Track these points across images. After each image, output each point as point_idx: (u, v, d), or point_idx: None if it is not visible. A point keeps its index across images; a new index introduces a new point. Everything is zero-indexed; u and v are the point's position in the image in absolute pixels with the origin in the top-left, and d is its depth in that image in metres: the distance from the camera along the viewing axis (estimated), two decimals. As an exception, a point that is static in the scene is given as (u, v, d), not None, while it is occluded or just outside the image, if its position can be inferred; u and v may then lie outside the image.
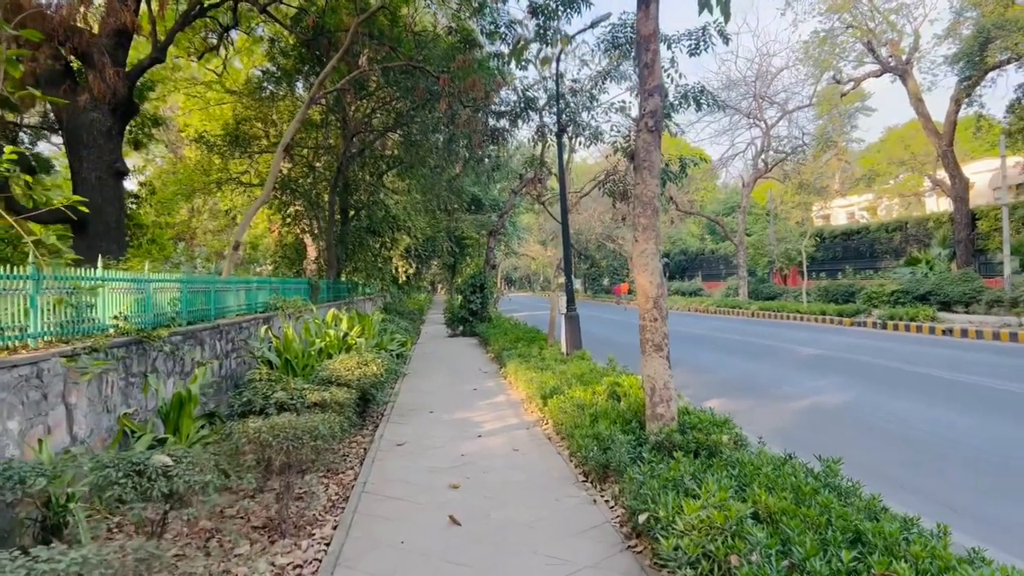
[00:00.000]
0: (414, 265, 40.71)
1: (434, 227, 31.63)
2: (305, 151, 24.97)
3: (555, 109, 16.89)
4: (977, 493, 6.63)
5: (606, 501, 6.26)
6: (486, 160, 22.49)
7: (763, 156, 39.34)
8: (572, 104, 16.86)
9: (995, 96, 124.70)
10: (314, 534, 5.50)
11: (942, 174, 32.58)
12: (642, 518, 4.98)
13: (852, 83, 33.57)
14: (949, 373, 13.43)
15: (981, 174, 42.40)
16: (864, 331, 24.34)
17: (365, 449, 8.34)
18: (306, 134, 24.77)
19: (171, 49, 17.77)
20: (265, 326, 11.26)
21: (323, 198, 24.40)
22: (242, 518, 5.83)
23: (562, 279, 17.30)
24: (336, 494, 6.62)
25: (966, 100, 28.95)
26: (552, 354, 14.03)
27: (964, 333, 20.59)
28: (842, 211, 63.07)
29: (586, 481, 6.73)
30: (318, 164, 25.56)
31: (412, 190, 27.96)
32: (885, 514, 4.63)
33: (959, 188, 30.48)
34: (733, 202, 70.89)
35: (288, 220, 25.33)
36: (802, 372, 14.24)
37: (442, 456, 7.78)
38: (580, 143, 16.64)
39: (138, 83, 15.20)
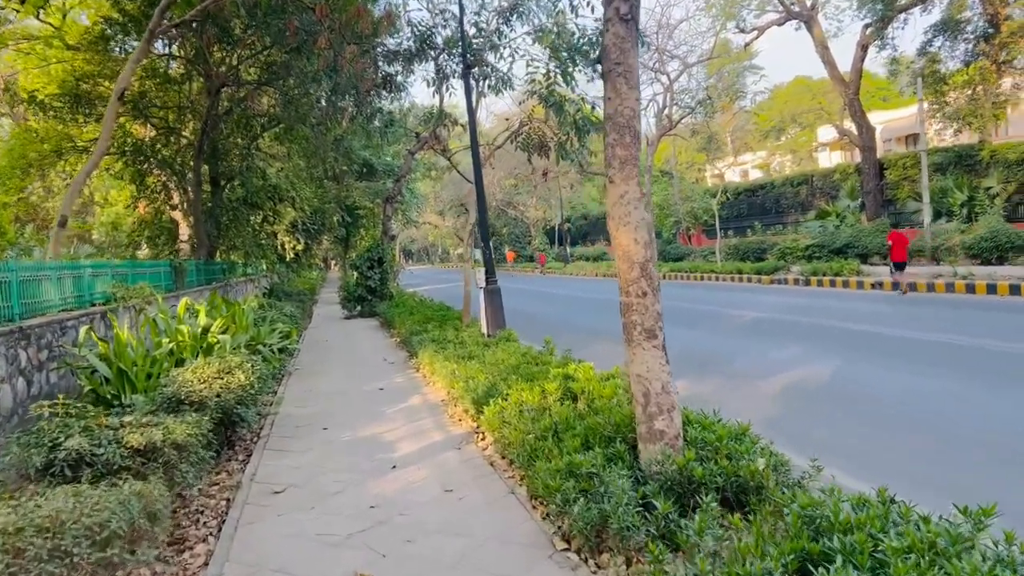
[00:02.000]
0: (302, 241, 37.20)
1: (322, 197, 28.39)
2: (163, 112, 21.28)
3: (457, 51, 14.33)
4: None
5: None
6: (377, 116, 19.64)
7: (666, 112, 37.97)
8: (476, 43, 14.31)
9: (904, 39, 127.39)
10: None
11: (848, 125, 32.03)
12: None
13: (756, 32, 32.40)
14: (916, 332, 11.97)
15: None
16: (788, 289, 23.23)
17: (228, 500, 5.75)
18: (164, 92, 21.10)
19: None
20: (86, 327, 8.32)
21: (190, 166, 20.88)
22: None
23: (472, 249, 14.86)
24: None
25: (876, 43, 28.17)
26: (472, 336, 11.68)
27: (895, 286, 19.61)
28: (736, 169, 63.38)
29: (567, 549, 4.41)
30: (183, 129, 21.90)
31: (293, 155, 24.65)
32: None
33: (866, 137, 29.90)
34: (630, 164, 70.02)
35: (146, 193, 21.65)
36: (754, 340, 12.49)
37: (342, 510, 5.30)
38: (488, 86, 14.13)
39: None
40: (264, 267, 33.57)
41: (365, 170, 28.32)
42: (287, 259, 36.55)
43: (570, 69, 12.35)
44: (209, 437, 5.95)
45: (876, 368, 9.50)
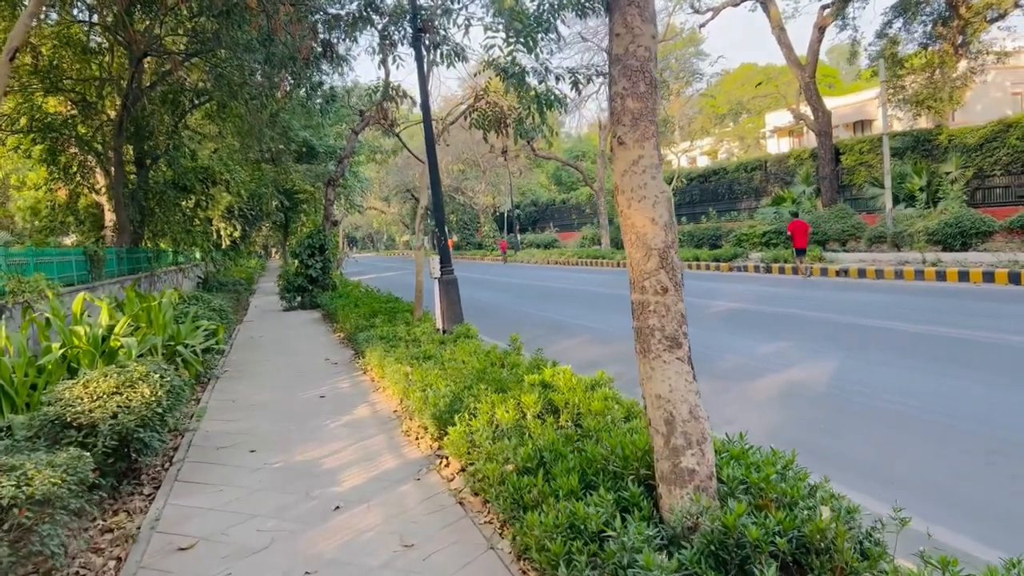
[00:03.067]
0: (239, 227, 35.18)
1: (259, 180, 26.56)
2: (81, 86, 19.25)
3: (406, 17, 12.93)
4: None
5: None
6: (318, 90, 18.07)
7: (619, 96, 36.97)
8: (427, 6, 12.91)
9: (862, 21, 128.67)
10: None
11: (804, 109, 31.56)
12: None
13: (711, 13, 31.61)
14: (905, 324, 11.16)
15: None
16: (749, 276, 22.52)
17: (119, 560, 4.41)
18: (82, 64, 19.07)
19: None
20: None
21: (111, 146, 18.93)
22: None
23: (415, 236, 13.50)
24: None
25: (837, 22, 27.62)
26: (426, 332, 10.43)
27: (862, 273, 19.01)
28: (684, 156, 62.97)
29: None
30: (104, 105, 19.87)
31: (227, 134, 22.79)
32: None
33: (823, 122, 29.43)
34: (579, 150, 69.48)
35: (60, 174, 19.64)
36: (735, 334, 11.53)
37: None
38: (441, 55, 12.73)
39: None
40: (198, 255, 31.54)
41: (305, 151, 26.57)
42: (223, 246, 34.53)
43: (534, 35, 11.10)
44: (93, 478, 4.59)
45: (873, 364, 8.59)
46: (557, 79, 12.01)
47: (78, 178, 19.72)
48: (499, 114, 14.23)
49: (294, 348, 12.97)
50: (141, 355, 8.04)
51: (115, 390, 5.70)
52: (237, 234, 37.07)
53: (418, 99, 12.73)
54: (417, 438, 6.55)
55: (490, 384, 6.50)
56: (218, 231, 33.94)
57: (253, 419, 7.64)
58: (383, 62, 15.46)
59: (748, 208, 35.62)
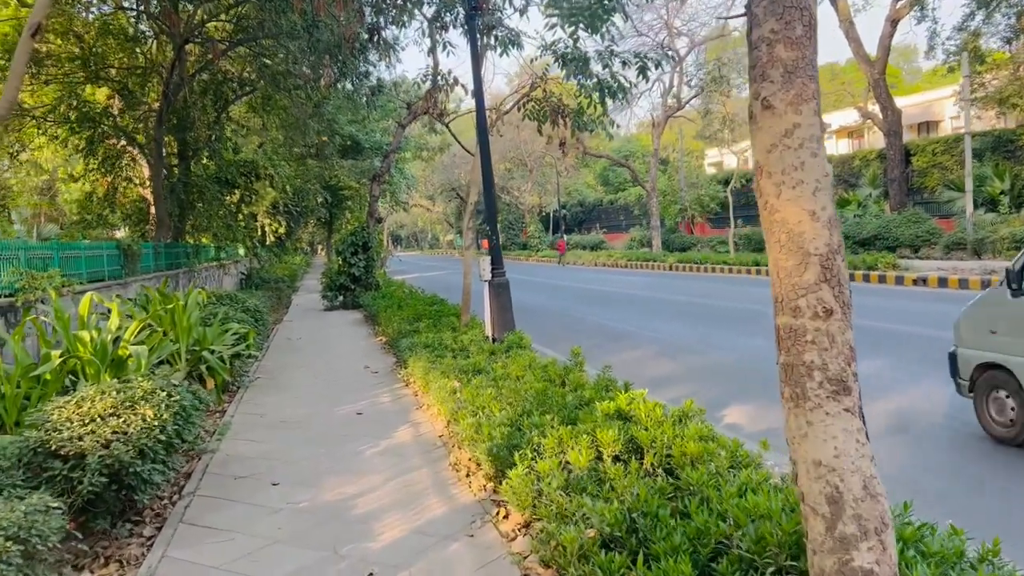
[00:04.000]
0: (284, 223, 34.72)
1: (303, 175, 25.91)
2: (123, 75, 18.74)
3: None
4: None
5: None
6: (364, 81, 17.27)
7: (673, 92, 35.61)
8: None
9: (940, 14, 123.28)
10: None
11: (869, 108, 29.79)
12: None
13: (775, 6, 29.96)
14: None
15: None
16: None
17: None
18: (125, 53, 18.53)
19: None
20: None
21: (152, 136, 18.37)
22: None
23: (464, 235, 12.43)
24: None
25: (915, 12, 25.86)
26: (474, 340, 9.41)
27: (942, 282, 17.43)
28: (735, 157, 60.95)
29: None
30: (147, 96, 19.33)
31: (271, 127, 22.15)
32: None
33: (892, 121, 27.69)
34: (626, 150, 67.97)
35: (98, 165, 19.17)
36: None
37: None
38: (495, 39, 11.68)
39: None
40: (241, 251, 31.12)
41: (351, 145, 25.85)
42: (267, 243, 34.09)
43: (599, 15, 9.99)
44: (70, 529, 3.67)
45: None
46: (624, 64, 10.90)
47: (116, 169, 19.21)
48: (556, 104, 13.14)
49: (333, 352, 12.09)
50: (160, 362, 7.17)
51: (112, 411, 4.78)
52: (282, 230, 36.67)
53: (470, 88, 11.73)
54: (468, 475, 5.52)
55: (553, 410, 5.45)
56: (262, 227, 33.53)
57: (281, 440, 6.70)
58: (432, 50, 14.55)
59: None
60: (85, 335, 6.07)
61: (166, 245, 17.52)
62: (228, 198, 22.65)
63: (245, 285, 25.26)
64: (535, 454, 4.67)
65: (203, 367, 8.07)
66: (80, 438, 4.45)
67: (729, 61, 33.68)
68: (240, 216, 23.95)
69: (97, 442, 4.45)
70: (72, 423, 4.60)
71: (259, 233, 32.20)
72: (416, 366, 8.54)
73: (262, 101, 20.65)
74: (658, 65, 11.15)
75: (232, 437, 6.85)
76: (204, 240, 23.19)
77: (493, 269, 10.23)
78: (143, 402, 4.94)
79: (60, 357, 5.72)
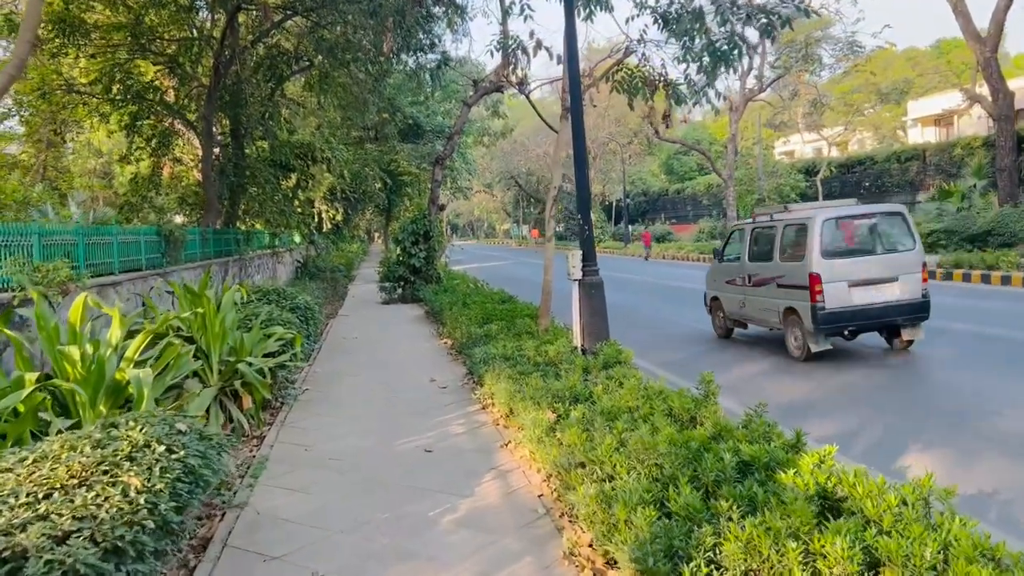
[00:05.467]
0: (341, 210, 33.60)
1: (361, 159, 24.53)
2: (173, 47, 17.54)
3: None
4: None
5: None
6: (430, 53, 15.67)
7: (753, 72, 33.17)
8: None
9: None
10: None
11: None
12: None
13: (873, -23, 27.39)
14: None
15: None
16: (933, 284, 18.64)
17: None
18: (173, 23, 17.28)
19: None
20: None
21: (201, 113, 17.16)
22: None
23: (547, 223, 10.62)
24: None
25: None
26: (560, 352, 7.68)
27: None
28: (808, 147, 57.68)
29: None
30: (197, 71, 18.11)
31: (328, 107, 20.76)
32: None
33: (1004, 104, 24.83)
34: (693, 137, 65.19)
35: (143, 145, 18.09)
36: (973, 367, 8.27)
37: None
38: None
39: None
40: (297, 238, 30.05)
41: (412, 127, 24.35)
42: (324, 229, 33.03)
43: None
44: None
45: None
46: (749, 17, 8.97)
47: (163, 149, 18.09)
48: (650, 74, 11.30)
49: (392, 358, 10.55)
50: (176, 385, 5.66)
51: (82, 479, 3.25)
52: (340, 217, 35.61)
53: (555, 52, 9.96)
54: (582, 555, 3.84)
55: (708, 478, 3.73)
56: (319, 213, 32.47)
57: (328, 490, 5.12)
58: (505, 15, 12.82)
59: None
60: (74, 351, 4.56)
61: (215, 231, 16.25)
62: (284, 183, 21.44)
63: (300, 275, 24.08)
64: (713, 568, 2.97)
65: (238, 382, 6.57)
66: (22, 527, 2.91)
67: (817, 40, 31.01)
68: (296, 202, 22.75)
69: (48, 535, 2.90)
70: (16, 500, 3.07)
71: (316, 220, 31.14)
72: (496, 386, 6.89)
73: (319, 79, 19.28)
74: (786, 23, 9.17)
75: (267, 481, 5.31)
76: (257, 226, 22.01)
77: (584, 266, 8.51)
78: (128, 463, 3.40)
79: (33, 384, 4.22)
